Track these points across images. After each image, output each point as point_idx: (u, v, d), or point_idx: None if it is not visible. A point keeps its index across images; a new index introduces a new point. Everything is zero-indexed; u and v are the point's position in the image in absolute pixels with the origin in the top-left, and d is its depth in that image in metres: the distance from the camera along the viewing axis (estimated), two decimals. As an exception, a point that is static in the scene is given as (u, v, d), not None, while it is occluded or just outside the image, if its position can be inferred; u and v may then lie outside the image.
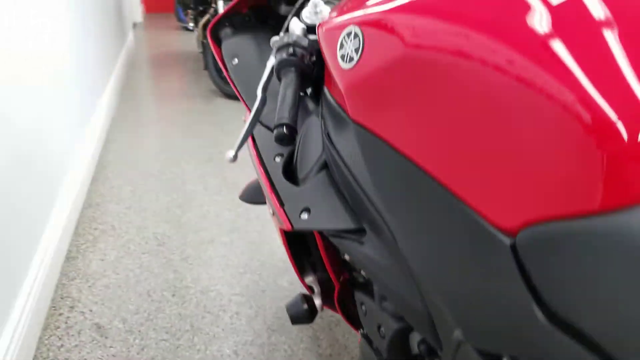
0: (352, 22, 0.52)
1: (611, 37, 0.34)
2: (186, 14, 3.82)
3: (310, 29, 0.76)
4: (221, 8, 3.25)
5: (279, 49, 0.72)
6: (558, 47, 0.35)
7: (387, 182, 0.53)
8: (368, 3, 0.54)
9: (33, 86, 1.56)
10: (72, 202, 1.82)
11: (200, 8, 3.55)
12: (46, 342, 1.28)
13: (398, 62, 0.46)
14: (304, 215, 0.65)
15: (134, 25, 6.65)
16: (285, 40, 0.71)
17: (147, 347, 1.27)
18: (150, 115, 3.10)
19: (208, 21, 3.29)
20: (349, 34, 0.53)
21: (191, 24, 3.95)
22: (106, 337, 1.30)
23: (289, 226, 0.66)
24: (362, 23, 0.51)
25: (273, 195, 0.72)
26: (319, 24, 0.64)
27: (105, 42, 3.28)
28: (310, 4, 0.77)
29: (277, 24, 1.03)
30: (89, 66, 2.61)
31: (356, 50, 0.51)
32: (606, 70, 0.33)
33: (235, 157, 0.74)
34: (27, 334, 1.23)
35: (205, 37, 3.53)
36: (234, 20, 1.04)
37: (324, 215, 0.64)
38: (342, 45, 0.54)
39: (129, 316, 1.38)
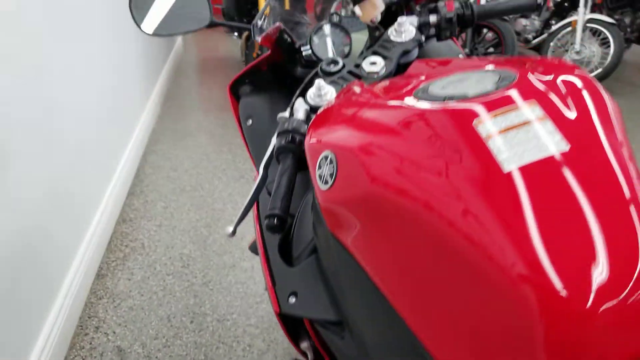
0: (329, 147, 0.53)
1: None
2: (230, 24, 3.92)
3: (314, 109, 0.77)
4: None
5: (279, 134, 0.74)
6: (505, 211, 0.37)
7: (357, 297, 0.54)
8: (349, 122, 0.54)
9: (75, 109, 1.66)
10: (108, 218, 1.92)
11: (245, 20, 3.62)
12: (71, 362, 1.37)
13: (364, 198, 0.47)
14: (292, 299, 0.67)
15: (184, 26, 6.85)
16: (286, 126, 0.73)
17: (162, 375, 1.34)
18: (190, 125, 3.20)
19: (250, 34, 3.35)
20: (325, 157, 0.54)
21: (235, 33, 4.03)
22: (125, 361, 1.37)
23: (277, 309, 0.68)
24: (338, 150, 0.52)
25: (267, 272, 0.74)
26: (308, 131, 0.65)
27: (152, 52, 3.41)
28: (314, 86, 0.77)
29: (295, 83, 1.05)
30: (133, 81, 2.73)
31: (331, 175, 0.52)
32: (556, 240, 0.35)
33: (233, 232, 0.76)
34: (54, 352, 1.32)
35: (247, 47, 3.61)
36: (254, 77, 1.07)
37: (309, 302, 0.66)
38: (320, 166, 0.55)
39: (149, 341, 1.45)
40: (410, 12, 0.95)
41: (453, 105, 0.45)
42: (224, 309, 1.58)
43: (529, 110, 0.42)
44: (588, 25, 3.65)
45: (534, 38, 4.20)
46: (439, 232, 0.39)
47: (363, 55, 0.85)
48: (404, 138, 0.46)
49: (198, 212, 2.15)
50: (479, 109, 0.43)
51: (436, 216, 0.40)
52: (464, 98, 0.46)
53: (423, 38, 0.85)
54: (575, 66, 0.52)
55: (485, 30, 3.62)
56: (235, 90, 1.09)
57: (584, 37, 3.69)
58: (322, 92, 0.77)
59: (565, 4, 4.07)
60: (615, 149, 0.42)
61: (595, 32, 3.62)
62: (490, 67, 0.54)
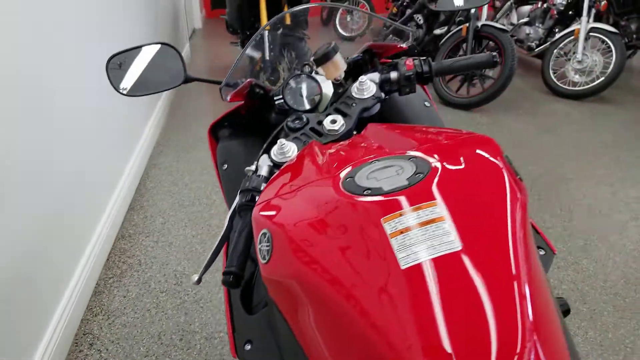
0: (267, 225, 0.59)
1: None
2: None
3: (278, 165, 0.83)
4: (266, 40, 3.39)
5: (241, 192, 0.79)
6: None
7: (290, 356, 0.60)
8: (286, 205, 0.60)
9: (77, 123, 1.74)
10: (107, 234, 2.01)
11: (247, 33, 3.70)
12: (65, 378, 1.45)
13: (291, 278, 0.53)
14: (247, 347, 0.74)
15: (193, 32, 6.93)
16: (247, 185, 0.79)
17: (149, 393, 1.41)
18: (193, 137, 3.28)
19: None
20: (264, 234, 0.59)
21: (239, 46, 4.09)
22: (116, 379, 1.45)
23: (234, 354, 0.74)
24: (273, 231, 0.57)
25: (228, 317, 0.80)
26: (257, 203, 0.70)
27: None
28: (277, 144, 0.83)
29: (270, 129, 1.10)
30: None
31: (268, 252, 0.58)
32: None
33: (199, 280, 0.82)
34: (49, 371, 1.40)
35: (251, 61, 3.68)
36: (233, 121, 1.13)
37: (261, 351, 0.72)
38: (260, 241, 0.60)
39: (139, 358, 1.53)
40: (374, 68, 1.00)
41: (369, 199, 0.52)
42: (213, 327, 1.66)
43: (428, 211, 0.48)
44: (591, 34, 3.63)
45: (537, 46, 4.19)
46: (345, 317, 0.46)
47: (326, 112, 0.90)
48: (326, 228, 0.52)
49: (194, 228, 2.22)
50: (388, 206, 0.50)
51: (344, 304, 0.46)
52: (379, 193, 0.52)
53: (383, 95, 0.91)
54: (495, 151, 0.58)
55: (485, 42, 3.62)
56: (215, 132, 1.15)
57: (586, 46, 3.68)
58: (284, 150, 0.83)
59: (570, 12, 4.05)
60: (506, 243, 0.47)
61: (602, 41, 3.60)
62: (412, 153, 0.59)
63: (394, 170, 0.56)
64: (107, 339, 1.60)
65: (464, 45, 3.63)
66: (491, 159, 0.56)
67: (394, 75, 0.93)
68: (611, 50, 3.50)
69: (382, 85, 0.93)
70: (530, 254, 0.49)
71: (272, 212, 0.61)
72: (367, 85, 0.90)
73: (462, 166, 0.55)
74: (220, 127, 1.14)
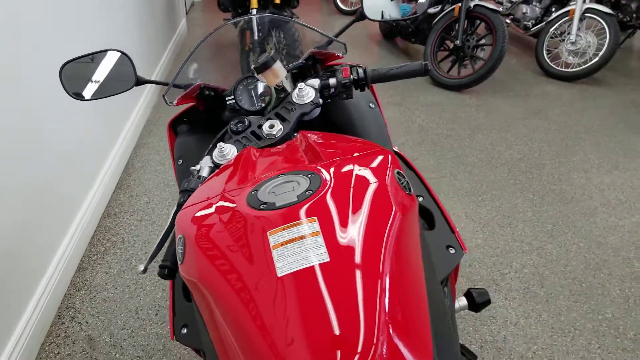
0: (182, 231, 0.67)
1: None
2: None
3: (219, 167, 0.90)
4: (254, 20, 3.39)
5: (180, 192, 0.87)
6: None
7: (208, 341, 0.69)
8: (198, 215, 0.67)
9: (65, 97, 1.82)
10: (93, 212, 2.11)
11: (239, 10, 3.69)
12: (47, 348, 1.58)
13: (197, 280, 0.61)
14: (184, 330, 0.83)
15: (192, 5, 6.88)
16: (186, 185, 0.86)
17: (123, 363, 1.53)
18: (184, 115, 3.34)
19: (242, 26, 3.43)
20: (180, 238, 0.67)
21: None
22: (93, 349, 1.57)
23: (172, 336, 0.84)
24: (186, 238, 0.65)
25: (170, 303, 0.89)
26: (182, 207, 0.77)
27: (152, 35, 3.53)
28: (217, 148, 0.90)
29: (223, 127, 1.16)
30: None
31: (182, 254, 0.66)
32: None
33: (144, 270, 0.90)
34: (31, 340, 1.52)
35: (241, 40, 3.70)
36: (191, 117, 1.19)
37: (195, 335, 0.81)
38: (178, 243, 0.68)
39: (116, 331, 1.64)
40: (317, 74, 1.05)
41: (261, 214, 0.60)
42: (187, 303, 1.76)
43: (307, 227, 0.56)
44: (586, 15, 3.59)
45: (533, 26, 4.15)
46: (234, 317, 0.54)
47: (267, 117, 0.97)
48: (226, 238, 0.61)
49: (177, 208, 2.31)
50: (275, 220, 0.58)
51: (232, 306, 0.55)
52: (271, 208, 0.60)
53: (320, 101, 0.97)
54: (385, 168, 0.65)
55: (478, 22, 3.60)
56: (175, 127, 1.21)
57: (581, 26, 3.64)
58: (224, 153, 0.90)
59: (567, -9, 3.99)
60: (371, 255, 0.54)
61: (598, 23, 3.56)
62: (312, 170, 0.67)
63: (291, 186, 0.64)
64: (88, 313, 1.71)
65: (456, 25, 3.61)
66: (376, 178, 0.63)
67: (332, 81, 0.99)
68: (604, 33, 3.47)
69: (322, 91, 0.99)
70: (402, 260, 0.56)
71: (189, 218, 0.68)
72: (306, 92, 0.96)
73: (350, 183, 0.62)
74: (180, 122, 1.20)
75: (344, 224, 0.56)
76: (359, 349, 0.47)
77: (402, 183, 0.66)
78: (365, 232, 0.56)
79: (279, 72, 0.96)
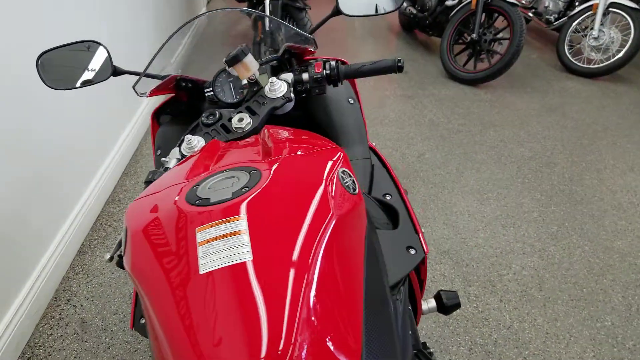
0: (125, 223, 0.67)
1: None
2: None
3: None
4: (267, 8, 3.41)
5: (145, 182, 0.87)
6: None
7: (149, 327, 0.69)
8: (148, 202, 0.67)
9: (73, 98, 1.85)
10: (97, 198, 2.14)
11: (254, 0, 3.68)
12: (41, 329, 1.62)
13: (132, 273, 0.61)
14: (142, 321, 0.84)
15: (214, -7, 6.89)
16: (150, 177, 0.86)
17: (113, 347, 1.56)
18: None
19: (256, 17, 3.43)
20: (124, 230, 0.67)
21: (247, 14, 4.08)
22: (85, 332, 1.61)
23: (131, 326, 0.85)
24: (127, 227, 0.65)
25: (134, 295, 0.90)
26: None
27: (168, 22, 3.55)
28: (185, 140, 0.90)
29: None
30: (143, 52, 2.90)
31: (124, 246, 0.66)
32: None
33: (111, 258, 0.91)
34: (25, 320, 1.56)
35: (255, 28, 3.69)
36: (174, 107, 1.19)
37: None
38: (122, 234, 0.68)
39: (109, 315, 1.67)
40: (292, 69, 1.04)
41: (195, 210, 0.59)
42: (180, 291, 1.78)
43: (234, 224, 0.55)
44: (610, 9, 3.45)
45: (556, 20, 4.01)
46: (160, 311, 0.54)
47: (237, 110, 0.96)
48: (160, 232, 0.60)
49: (179, 196, 2.33)
50: (205, 217, 0.57)
51: (158, 301, 0.54)
52: (205, 204, 0.59)
53: (292, 96, 0.96)
54: (331, 168, 0.63)
55: (495, 15, 3.50)
56: (158, 117, 1.21)
57: (604, 21, 3.50)
58: (192, 145, 0.89)
59: (592, -16, 3.83)
60: (296, 254, 0.53)
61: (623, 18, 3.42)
62: (256, 166, 0.65)
63: (231, 182, 0.63)
64: (83, 296, 1.75)
65: (473, 19, 3.52)
66: (316, 176, 0.62)
67: (305, 76, 0.97)
68: (629, 28, 3.33)
69: (296, 85, 0.97)
70: (333, 260, 0.54)
71: (133, 210, 0.68)
72: (278, 86, 0.95)
73: (289, 181, 0.61)
74: (163, 112, 1.21)
75: (274, 222, 0.55)
76: (280, 348, 0.46)
77: (346, 182, 0.64)
78: (295, 230, 0.54)
79: (250, 66, 0.95)
